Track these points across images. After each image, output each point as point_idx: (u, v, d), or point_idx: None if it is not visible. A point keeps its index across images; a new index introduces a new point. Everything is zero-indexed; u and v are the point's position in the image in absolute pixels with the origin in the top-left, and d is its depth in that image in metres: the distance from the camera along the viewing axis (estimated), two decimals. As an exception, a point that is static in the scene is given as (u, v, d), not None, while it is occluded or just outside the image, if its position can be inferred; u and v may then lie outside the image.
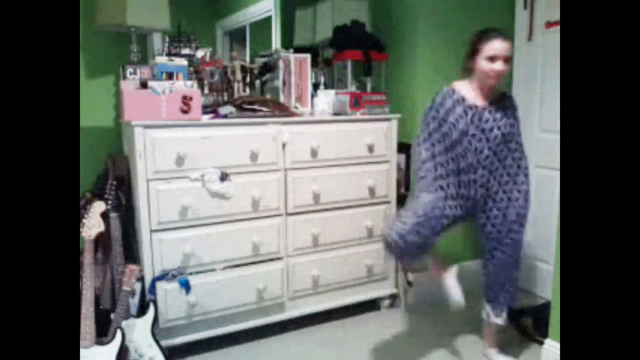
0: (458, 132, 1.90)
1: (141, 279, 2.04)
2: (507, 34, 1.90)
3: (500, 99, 1.97)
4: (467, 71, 1.93)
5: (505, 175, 1.98)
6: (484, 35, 1.87)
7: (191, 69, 2.28)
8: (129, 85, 2.10)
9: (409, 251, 1.92)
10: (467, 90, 1.93)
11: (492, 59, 1.83)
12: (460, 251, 2.83)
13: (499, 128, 1.92)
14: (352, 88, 2.61)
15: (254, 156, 2.18)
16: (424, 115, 2.00)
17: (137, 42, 2.27)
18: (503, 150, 1.95)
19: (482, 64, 1.85)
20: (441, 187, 1.92)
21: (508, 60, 1.85)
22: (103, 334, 1.88)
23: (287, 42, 2.78)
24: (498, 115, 1.93)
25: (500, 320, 2.10)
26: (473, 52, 1.88)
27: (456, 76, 2.70)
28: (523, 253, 2.10)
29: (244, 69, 2.45)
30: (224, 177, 2.12)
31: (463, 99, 1.91)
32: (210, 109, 2.25)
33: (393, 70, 2.72)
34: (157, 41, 2.38)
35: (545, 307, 2.27)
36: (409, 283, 2.73)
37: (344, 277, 2.49)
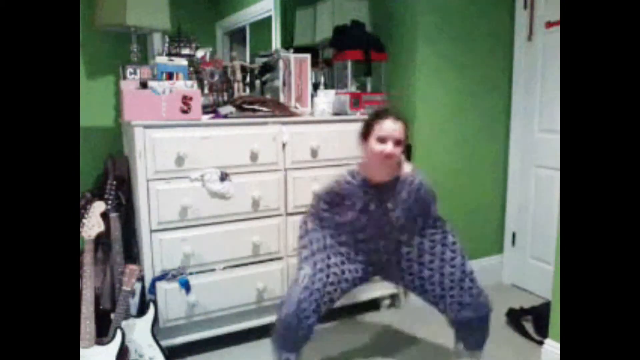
0: (356, 211, 1.86)
1: (141, 279, 2.04)
2: (402, 115, 1.85)
3: (403, 177, 1.86)
4: (364, 153, 1.86)
5: (427, 242, 1.91)
6: (378, 115, 1.82)
7: (191, 69, 2.28)
8: (129, 85, 2.10)
9: (303, 330, 1.79)
10: (368, 172, 1.86)
11: (382, 140, 1.76)
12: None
13: (398, 208, 1.85)
14: (352, 88, 2.61)
15: (254, 156, 2.18)
16: (317, 196, 1.98)
17: (137, 42, 2.27)
18: (413, 226, 1.89)
19: (372, 143, 1.78)
20: (335, 255, 1.88)
21: (400, 143, 1.77)
22: (103, 334, 1.88)
23: (287, 42, 2.78)
24: (398, 194, 1.85)
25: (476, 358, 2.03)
26: (367, 132, 1.81)
27: (455, 79, 2.72)
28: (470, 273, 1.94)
29: (244, 69, 2.45)
30: (224, 177, 2.13)
31: (364, 180, 1.86)
32: (210, 109, 2.26)
33: (393, 70, 2.73)
34: (157, 41, 2.38)
35: (545, 307, 2.27)
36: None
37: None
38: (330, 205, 1.92)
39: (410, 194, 1.85)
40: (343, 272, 1.89)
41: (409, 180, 1.86)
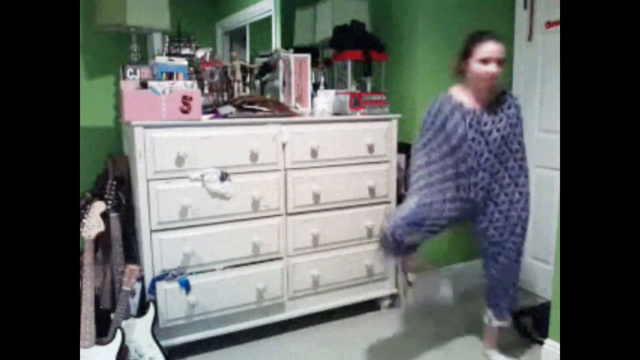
0: (457, 138, 1.88)
1: (141, 279, 2.04)
2: (501, 35, 1.88)
3: (501, 100, 1.95)
4: (460, 73, 1.91)
5: (507, 177, 1.97)
6: (477, 37, 1.85)
7: (191, 69, 2.28)
8: (129, 85, 2.10)
9: (401, 247, 1.92)
10: (465, 95, 1.91)
11: (485, 61, 1.81)
12: (450, 253, 2.83)
13: (498, 130, 1.91)
14: (352, 88, 2.61)
15: (254, 156, 2.18)
16: (422, 121, 1.99)
17: (137, 42, 2.27)
18: (504, 152, 1.94)
19: (475, 66, 1.83)
20: (440, 192, 1.92)
21: (502, 62, 1.84)
22: (103, 334, 1.88)
23: (287, 42, 2.78)
24: (497, 118, 1.91)
25: (504, 323, 2.10)
26: (466, 54, 1.86)
27: (456, 77, 2.71)
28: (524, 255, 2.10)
29: (244, 69, 2.45)
30: (224, 177, 2.12)
31: (461, 104, 1.90)
32: (210, 109, 2.25)
33: (393, 70, 2.73)
34: (157, 41, 2.38)
35: (545, 307, 2.27)
36: (409, 283, 2.73)
37: (344, 277, 2.49)
38: (436, 130, 1.92)
39: (513, 113, 1.93)
40: (443, 210, 1.92)
41: (510, 100, 1.95)
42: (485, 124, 1.90)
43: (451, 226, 2.00)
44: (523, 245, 2.03)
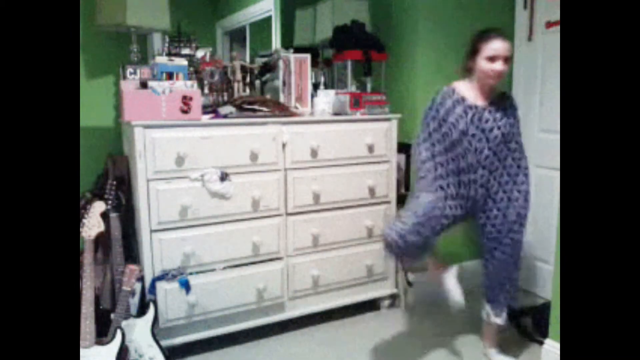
0: (458, 132, 1.90)
1: (141, 279, 2.04)
2: (507, 33, 1.90)
3: (501, 98, 1.98)
4: (467, 71, 1.93)
5: (505, 175, 1.98)
6: (484, 35, 1.87)
7: (191, 69, 2.28)
8: (129, 85, 2.10)
9: (409, 251, 1.92)
10: (467, 90, 1.93)
11: (492, 59, 1.83)
12: (459, 251, 2.83)
13: (499, 128, 1.92)
14: (352, 88, 2.61)
15: (254, 156, 2.18)
16: (424, 115, 2.00)
17: (137, 42, 2.27)
18: (503, 150, 1.96)
19: (482, 63, 1.85)
20: (441, 187, 1.93)
21: (508, 60, 1.86)
22: (103, 334, 1.88)
23: (287, 42, 2.78)
24: (498, 115, 1.93)
25: (500, 320, 2.10)
26: (473, 51, 1.88)
27: (456, 76, 2.72)
28: (523, 253, 2.10)
29: (244, 69, 2.45)
30: (224, 177, 2.12)
31: (463, 99, 1.92)
32: (210, 109, 2.25)
33: (393, 70, 2.73)
34: (157, 41, 2.38)
35: (545, 307, 2.27)
36: (409, 283, 2.73)
37: (344, 277, 2.49)
38: (438, 123, 1.94)
39: (512, 112, 1.96)
40: (445, 207, 1.94)
41: (510, 99, 1.99)
42: (487, 121, 1.91)
43: (452, 225, 2.01)
44: (521, 242, 2.04)
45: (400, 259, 2.16)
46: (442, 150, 1.93)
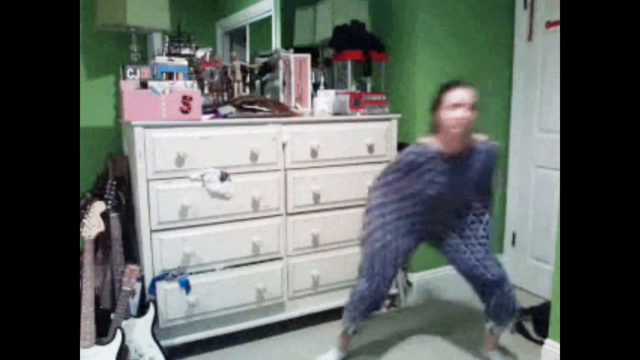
0: (424, 182, 1.90)
1: (141, 279, 2.04)
2: (469, 84, 1.85)
3: (476, 148, 1.91)
4: (436, 127, 1.89)
5: (472, 215, 2.00)
6: (445, 87, 1.86)
7: (191, 69, 2.28)
8: (129, 85, 2.10)
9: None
10: (437, 143, 1.90)
11: (453, 107, 1.80)
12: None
13: (469, 176, 1.91)
14: (352, 88, 2.61)
15: (254, 156, 2.18)
16: (389, 166, 2.03)
17: (137, 42, 2.27)
18: (470, 196, 1.97)
19: (444, 113, 1.82)
20: (394, 230, 1.97)
21: (472, 107, 1.81)
22: (103, 334, 1.88)
23: (287, 42, 2.78)
24: (469, 163, 1.90)
25: (507, 331, 2.12)
26: (437, 104, 1.86)
27: (458, 75, 2.72)
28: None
29: (244, 69, 2.45)
30: (224, 177, 2.12)
31: (436, 154, 1.88)
32: (210, 109, 2.25)
33: (393, 70, 2.73)
34: (157, 41, 2.38)
35: (545, 307, 2.27)
36: (409, 283, 2.73)
37: (344, 277, 2.49)
38: (399, 175, 1.95)
39: (489, 160, 1.94)
40: (398, 247, 1.98)
41: (487, 147, 1.94)
42: (455, 171, 1.89)
43: (404, 258, 2.08)
44: (493, 265, 2.00)
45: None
46: (401, 198, 1.96)
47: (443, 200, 1.94)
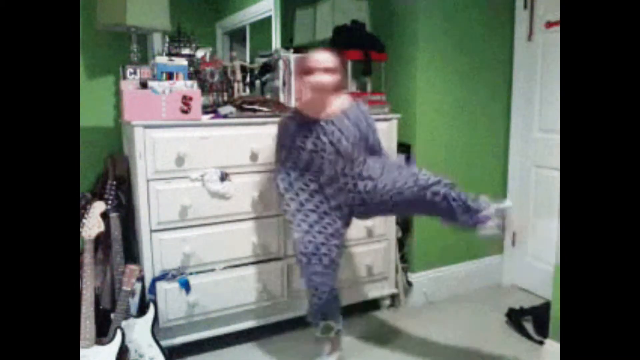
0: (308, 152, 1.89)
1: (141, 279, 2.04)
2: (329, 48, 1.91)
3: (346, 107, 1.93)
4: (299, 91, 1.94)
5: (369, 170, 1.95)
6: (304, 56, 1.90)
7: (191, 69, 2.28)
8: (129, 85, 2.10)
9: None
10: (306, 109, 1.92)
11: (311, 72, 1.82)
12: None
13: (347, 139, 1.89)
14: (352, 88, 2.61)
15: (254, 156, 2.18)
16: (275, 142, 2.02)
17: (137, 42, 2.27)
18: (359, 155, 1.94)
19: (305, 79, 1.85)
20: (311, 210, 1.93)
21: (330, 70, 1.82)
22: (103, 334, 1.88)
23: (287, 42, 2.78)
24: (344, 125, 1.89)
25: (489, 222, 1.92)
26: (299, 71, 1.89)
27: (458, 75, 2.72)
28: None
29: (244, 69, 2.45)
30: (224, 177, 2.12)
31: (305, 118, 1.90)
32: (210, 109, 2.25)
33: (393, 70, 2.73)
34: (157, 41, 2.38)
35: (545, 307, 2.27)
36: (409, 283, 2.73)
37: (344, 277, 2.48)
38: (287, 149, 1.94)
39: (361, 117, 1.92)
40: (325, 227, 1.92)
41: (354, 104, 1.94)
42: (332, 133, 1.88)
43: (341, 238, 2.00)
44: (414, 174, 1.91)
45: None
46: (298, 175, 1.94)
47: (335, 168, 1.90)
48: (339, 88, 1.89)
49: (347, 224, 2.06)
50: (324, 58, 1.83)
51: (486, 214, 1.90)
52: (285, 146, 1.95)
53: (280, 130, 1.99)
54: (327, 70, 1.82)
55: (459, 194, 1.88)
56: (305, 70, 1.84)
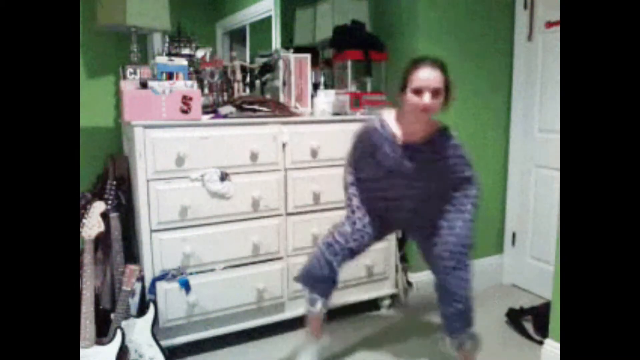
0: (384, 169, 1.82)
1: (141, 279, 2.04)
2: (442, 62, 1.64)
3: (438, 135, 1.76)
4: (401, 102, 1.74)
5: (449, 205, 1.83)
6: (413, 64, 1.65)
7: (191, 69, 2.28)
8: (129, 85, 2.10)
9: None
10: (397, 124, 1.77)
11: (418, 91, 1.62)
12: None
13: (430, 177, 1.79)
14: (352, 88, 2.61)
15: (254, 156, 2.18)
16: (352, 140, 1.94)
17: (137, 42, 2.27)
18: (439, 186, 1.82)
19: (408, 96, 1.64)
20: (368, 212, 1.93)
21: (438, 92, 1.62)
22: (103, 334, 1.88)
23: (287, 42, 2.78)
24: (431, 153, 1.76)
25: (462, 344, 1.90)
26: (404, 82, 1.67)
27: (458, 74, 2.72)
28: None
29: (244, 69, 2.45)
30: (224, 177, 2.13)
31: (392, 136, 1.76)
32: (210, 109, 2.26)
33: (393, 70, 2.73)
34: (157, 41, 2.38)
35: (545, 307, 2.27)
36: (409, 283, 2.73)
37: (344, 277, 2.47)
38: (363, 157, 1.87)
39: (451, 151, 1.75)
40: (363, 236, 1.93)
41: (448, 135, 1.75)
42: (416, 160, 1.75)
43: (369, 246, 2.01)
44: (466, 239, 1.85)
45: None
46: (369, 179, 1.91)
47: (407, 191, 1.83)
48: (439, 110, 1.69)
49: (378, 239, 2.05)
50: (434, 78, 1.61)
51: (467, 338, 1.88)
52: (365, 153, 1.85)
53: (363, 135, 1.86)
54: (435, 92, 1.61)
55: (469, 304, 1.85)
56: (412, 89, 1.63)
